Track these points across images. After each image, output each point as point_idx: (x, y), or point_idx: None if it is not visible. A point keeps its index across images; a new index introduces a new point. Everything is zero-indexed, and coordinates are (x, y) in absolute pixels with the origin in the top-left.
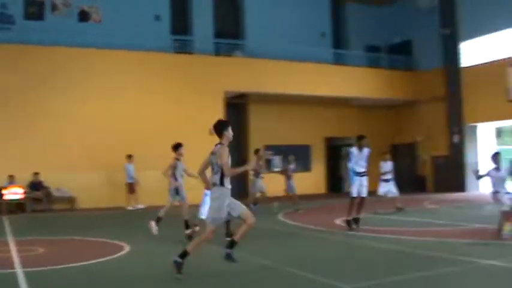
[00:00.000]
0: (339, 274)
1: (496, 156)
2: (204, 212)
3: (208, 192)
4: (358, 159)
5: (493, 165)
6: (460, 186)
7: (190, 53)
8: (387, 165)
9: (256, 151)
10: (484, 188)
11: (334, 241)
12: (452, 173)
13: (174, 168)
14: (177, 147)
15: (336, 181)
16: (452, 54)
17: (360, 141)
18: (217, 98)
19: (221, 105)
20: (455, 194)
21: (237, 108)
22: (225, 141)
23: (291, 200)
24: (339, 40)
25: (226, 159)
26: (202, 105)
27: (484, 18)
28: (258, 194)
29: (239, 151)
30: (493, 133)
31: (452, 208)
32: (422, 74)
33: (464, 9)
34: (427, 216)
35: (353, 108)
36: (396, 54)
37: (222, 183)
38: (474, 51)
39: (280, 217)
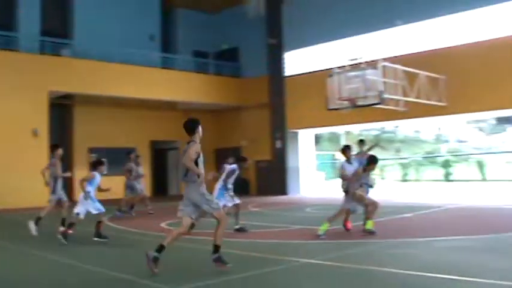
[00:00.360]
0: (165, 277)
1: (345, 150)
2: (81, 210)
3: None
4: (235, 177)
5: (344, 159)
6: (282, 190)
7: (14, 50)
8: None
9: (129, 153)
10: (304, 191)
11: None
12: (274, 176)
13: (57, 167)
14: (55, 147)
15: (162, 184)
16: (276, 63)
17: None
18: (41, 97)
19: (45, 105)
20: (278, 197)
21: (62, 109)
22: (197, 139)
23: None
24: (167, 44)
25: (192, 152)
26: (26, 104)
27: (307, 31)
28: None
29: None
30: (313, 139)
31: (274, 211)
32: (248, 81)
33: (289, 21)
34: (251, 219)
35: (179, 112)
36: (223, 61)
37: (194, 181)
38: (297, 62)
39: (107, 222)
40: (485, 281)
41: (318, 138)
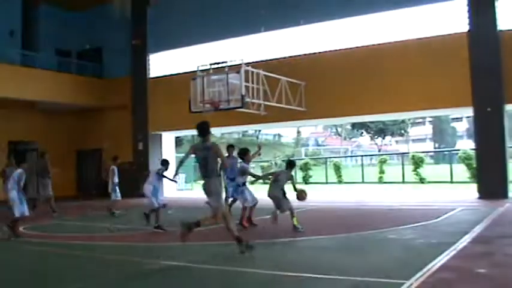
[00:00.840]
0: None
1: (247, 152)
2: None
3: None
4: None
5: (240, 160)
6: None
7: None
8: (116, 170)
9: (42, 154)
10: (166, 193)
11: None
12: (136, 178)
13: None
14: None
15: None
16: (140, 65)
17: (165, 165)
18: None
19: None
20: (140, 199)
21: None
22: (210, 139)
23: None
24: (29, 41)
25: (222, 152)
26: None
27: (172, 34)
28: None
29: None
30: (173, 142)
31: (138, 213)
32: (111, 81)
33: (155, 23)
34: (115, 221)
35: (39, 112)
36: (86, 61)
37: (219, 174)
38: (162, 64)
39: None
40: (336, 277)
41: (179, 141)
